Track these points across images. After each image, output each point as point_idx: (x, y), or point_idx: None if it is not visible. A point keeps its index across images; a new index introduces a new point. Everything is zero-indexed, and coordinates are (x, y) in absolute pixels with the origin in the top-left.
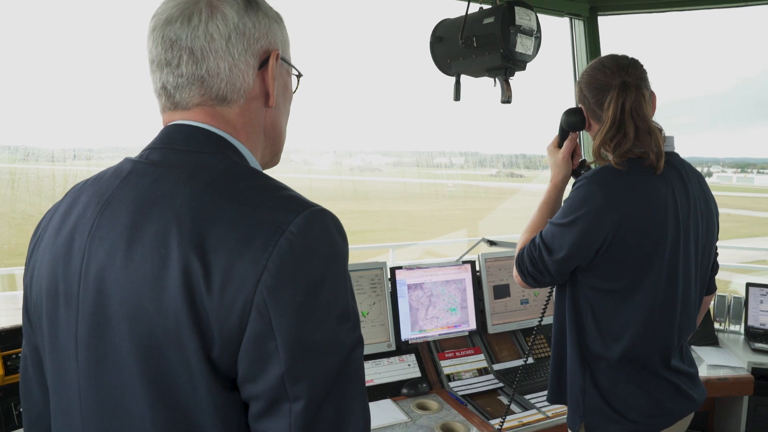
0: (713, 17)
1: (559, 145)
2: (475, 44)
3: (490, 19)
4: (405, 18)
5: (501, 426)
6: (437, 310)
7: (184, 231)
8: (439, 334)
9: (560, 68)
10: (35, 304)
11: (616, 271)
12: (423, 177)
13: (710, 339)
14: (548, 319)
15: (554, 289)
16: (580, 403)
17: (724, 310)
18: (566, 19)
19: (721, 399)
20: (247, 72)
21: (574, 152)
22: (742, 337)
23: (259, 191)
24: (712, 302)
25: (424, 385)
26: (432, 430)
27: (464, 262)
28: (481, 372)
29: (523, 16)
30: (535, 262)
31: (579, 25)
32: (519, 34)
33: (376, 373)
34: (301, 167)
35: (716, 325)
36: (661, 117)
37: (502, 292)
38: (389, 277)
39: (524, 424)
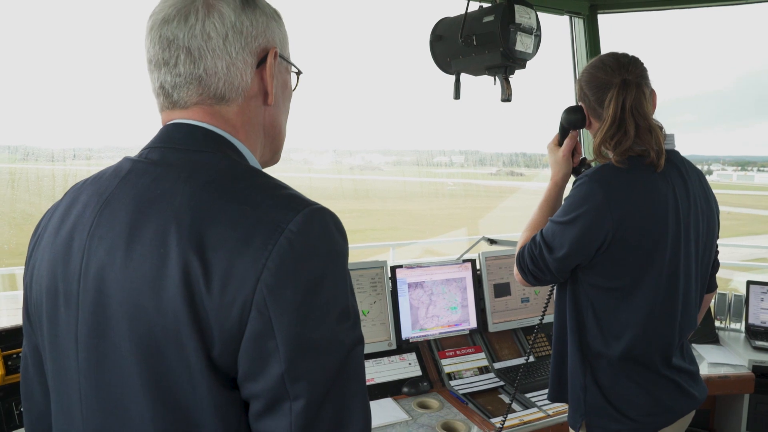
0: (713, 15)
1: (560, 144)
2: (475, 42)
3: (490, 18)
4: (405, 16)
5: (503, 424)
6: (438, 309)
7: (184, 230)
8: (440, 333)
9: (560, 66)
10: (35, 304)
11: (617, 269)
12: (423, 176)
13: (711, 337)
14: (549, 318)
15: (555, 288)
16: (581, 401)
17: (725, 308)
18: (566, 17)
19: (721, 397)
20: (245, 70)
21: (575, 150)
22: (743, 335)
23: (259, 190)
24: (713, 300)
25: (425, 383)
26: (433, 428)
27: (465, 261)
28: (482, 370)
29: (523, 15)
30: (536, 260)
31: (579, 23)
32: (519, 33)
33: (376, 372)
34: (301, 166)
35: (717, 323)
36: (661, 115)
37: (502, 290)
38: (390, 275)
39: (525, 423)
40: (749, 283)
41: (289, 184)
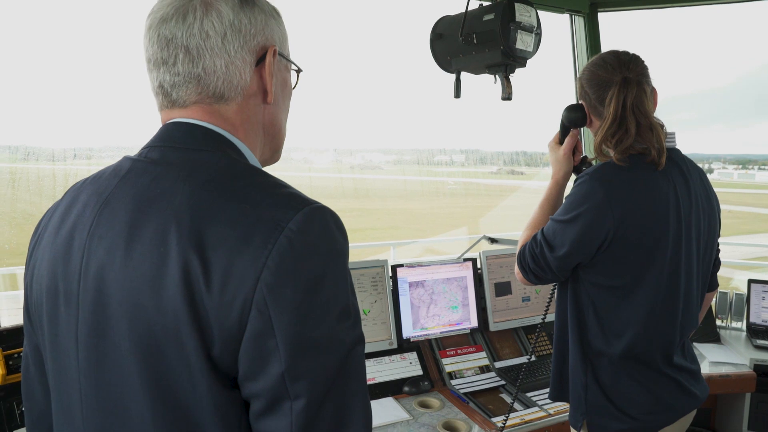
0: (713, 13)
1: (561, 142)
2: (475, 41)
3: (490, 16)
4: (405, 15)
5: (504, 423)
6: (439, 308)
7: (183, 229)
8: (441, 332)
9: (561, 65)
10: (36, 304)
11: (618, 267)
12: (423, 175)
13: (712, 336)
14: (551, 317)
15: (557, 287)
16: (582, 400)
17: (726, 307)
18: (566, 16)
19: (723, 396)
20: (244, 69)
21: (576, 149)
22: (744, 333)
23: (259, 189)
24: (714, 299)
25: (426, 383)
26: (434, 428)
27: (465, 260)
28: (483, 370)
29: (523, 13)
30: (537, 258)
31: (579, 21)
32: (519, 31)
33: (377, 371)
34: (302, 165)
35: (718, 322)
36: (661, 113)
37: (503, 289)
38: (390, 275)
39: (526, 422)
40: (750, 281)
41: (289, 183)
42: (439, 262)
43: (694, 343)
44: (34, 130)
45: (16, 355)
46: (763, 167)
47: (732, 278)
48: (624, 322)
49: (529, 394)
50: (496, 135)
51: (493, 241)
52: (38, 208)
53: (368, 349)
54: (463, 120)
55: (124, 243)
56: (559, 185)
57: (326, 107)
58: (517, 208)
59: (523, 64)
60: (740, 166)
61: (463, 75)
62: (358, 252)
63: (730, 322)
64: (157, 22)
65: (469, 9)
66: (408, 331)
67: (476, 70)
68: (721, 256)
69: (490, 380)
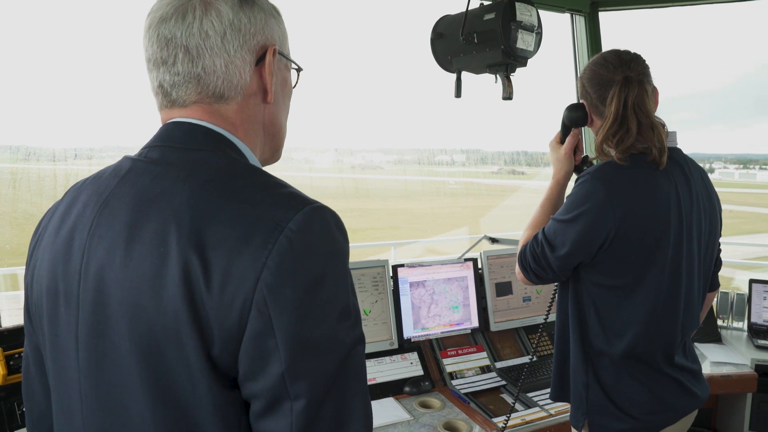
0: (713, 12)
1: (562, 141)
2: (475, 40)
3: (491, 15)
4: (406, 15)
5: (505, 424)
6: (439, 308)
7: (183, 229)
8: (442, 332)
9: (561, 64)
10: (36, 304)
11: (619, 267)
12: (424, 174)
13: (713, 336)
14: (552, 317)
15: (558, 287)
16: (583, 399)
17: (727, 307)
18: (567, 15)
19: (724, 396)
20: (244, 68)
21: (577, 148)
22: (746, 333)
23: (259, 188)
24: (715, 299)
25: (427, 383)
26: (435, 428)
27: (466, 260)
28: (484, 370)
29: (524, 12)
30: (538, 258)
31: (580, 20)
32: (520, 30)
33: (378, 372)
34: (302, 165)
35: (719, 322)
36: (662, 113)
37: (504, 289)
38: (391, 275)
39: (527, 422)
40: (752, 281)
41: (290, 183)
42: (439, 262)
43: (695, 343)
44: (35, 130)
45: (16, 356)
46: (764, 167)
47: (733, 278)
48: (625, 321)
49: (529, 394)
50: (496, 135)
51: (493, 241)
52: (39, 208)
53: (369, 349)
54: (463, 120)
55: (124, 243)
56: (560, 185)
57: (327, 107)
58: (517, 208)
59: (524, 64)
60: (741, 166)
61: (464, 74)
62: (358, 252)
63: (732, 322)
64: (156, 22)
65: (469, 8)
66: (409, 331)
67: (477, 70)
68: (723, 255)
69: (490, 380)
